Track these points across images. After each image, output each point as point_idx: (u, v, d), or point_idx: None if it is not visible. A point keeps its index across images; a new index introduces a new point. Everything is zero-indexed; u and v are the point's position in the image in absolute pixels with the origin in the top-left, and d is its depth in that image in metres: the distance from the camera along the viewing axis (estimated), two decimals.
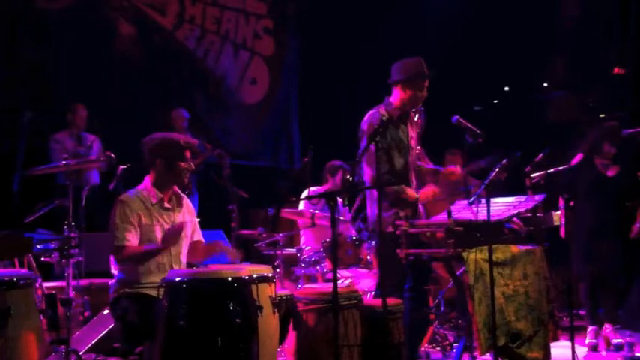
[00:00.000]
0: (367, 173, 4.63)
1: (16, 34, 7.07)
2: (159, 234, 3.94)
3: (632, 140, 5.71)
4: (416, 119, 4.88)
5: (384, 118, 4.56)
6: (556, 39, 9.03)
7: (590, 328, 5.60)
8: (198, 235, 4.24)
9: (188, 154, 4.03)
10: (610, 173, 5.69)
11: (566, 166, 5.68)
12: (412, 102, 4.73)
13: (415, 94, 4.69)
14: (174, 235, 3.85)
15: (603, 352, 5.44)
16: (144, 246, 3.88)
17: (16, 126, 6.67)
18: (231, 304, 3.31)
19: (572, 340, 4.68)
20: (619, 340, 5.47)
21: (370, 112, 4.73)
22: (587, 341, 5.50)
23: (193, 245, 4.15)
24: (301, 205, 6.41)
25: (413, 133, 4.85)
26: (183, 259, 4.06)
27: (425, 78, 4.70)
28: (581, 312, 6.01)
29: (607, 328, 5.57)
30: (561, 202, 5.80)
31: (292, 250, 6.14)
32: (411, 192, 4.65)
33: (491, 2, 9.02)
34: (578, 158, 5.77)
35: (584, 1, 8.95)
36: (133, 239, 3.85)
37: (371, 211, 4.78)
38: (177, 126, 6.95)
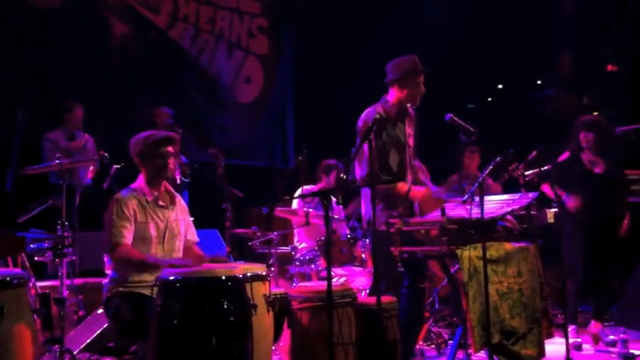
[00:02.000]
0: (359, 172, 4.63)
1: (13, 34, 7.04)
2: (153, 231, 3.95)
3: (625, 138, 5.70)
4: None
5: (377, 117, 4.56)
6: (551, 37, 9.06)
7: (571, 328, 5.54)
8: (192, 234, 4.23)
9: (170, 149, 4.03)
10: (598, 170, 5.68)
11: (551, 164, 5.67)
12: (410, 99, 4.73)
13: (412, 91, 4.69)
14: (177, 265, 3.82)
15: (591, 350, 5.44)
16: (145, 255, 3.87)
17: (10, 125, 6.65)
18: (225, 302, 3.31)
19: (566, 337, 4.69)
20: (612, 337, 5.48)
21: (367, 110, 4.74)
22: (570, 340, 5.46)
23: (187, 251, 4.14)
24: (295, 204, 6.40)
25: (410, 131, 4.86)
26: (177, 257, 4.05)
27: (419, 74, 4.71)
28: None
29: (595, 325, 5.55)
30: (548, 191, 5.76)
31: (286, 249, 6.14)
32: (401, 185, 4.64)
33: (485, 1, 9.04)
34: (565, 156, 5.76)
35: (582, 0, 8.98)
36: (128, 236, 3.86)
37: (365, 209, 4.79)
38: (160, 123, 6.90)
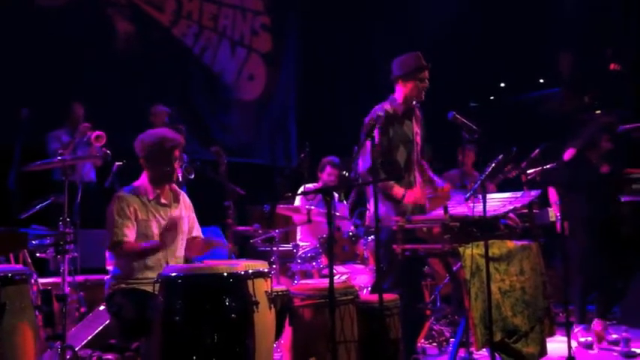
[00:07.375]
0: (361, 167, 4.64)
1: (15, 31, 7.04)
2: (155, 229, 3.94)
3: (627, 136, 5.69)
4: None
5: (380, 114, 4.58)
6: (554, 35, 9.04)
7: (579, 327, 5.54)
8: (197, 231, 4.23)
9: (177, 153, 4.02)
10: (604, 169, 5.67)
11: (555, 163, 5.66)
12: (414, 94, 4.81)
13: (416, 86, 4.78)
14: (171, 231, 3.86)
15: (595, 350, 5.43)
16: (143, 243, 3.87)
17: (13, 122, 6.64)
18: (227, 299, 3.31)
19: (568, 335, 4.68)
20: (615, 336, 5.47)
21: (375, 107, 4.78)
22: (581, 340, 5.46)
23: (190, 241, 4.15)
24: (297, 201, 6.40)
25: (417, 129, 4.92)
26: (180, 254, 4.06)
27: (423, 69, 4.79)
28: (571, 307, 5.95)
29: (597, 324, 5.53)
30: (553, 197, 5.79)
31: (288, 247, 6.14)
32: (397, 190, 4.68)
33: None
34: (570, 153, 5.75)
35: None
36: (131, 235, 3.86)
37: (370, 205, 4.79)
38: (158, 122, 6.85)
